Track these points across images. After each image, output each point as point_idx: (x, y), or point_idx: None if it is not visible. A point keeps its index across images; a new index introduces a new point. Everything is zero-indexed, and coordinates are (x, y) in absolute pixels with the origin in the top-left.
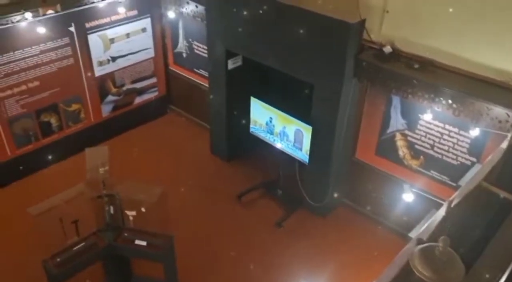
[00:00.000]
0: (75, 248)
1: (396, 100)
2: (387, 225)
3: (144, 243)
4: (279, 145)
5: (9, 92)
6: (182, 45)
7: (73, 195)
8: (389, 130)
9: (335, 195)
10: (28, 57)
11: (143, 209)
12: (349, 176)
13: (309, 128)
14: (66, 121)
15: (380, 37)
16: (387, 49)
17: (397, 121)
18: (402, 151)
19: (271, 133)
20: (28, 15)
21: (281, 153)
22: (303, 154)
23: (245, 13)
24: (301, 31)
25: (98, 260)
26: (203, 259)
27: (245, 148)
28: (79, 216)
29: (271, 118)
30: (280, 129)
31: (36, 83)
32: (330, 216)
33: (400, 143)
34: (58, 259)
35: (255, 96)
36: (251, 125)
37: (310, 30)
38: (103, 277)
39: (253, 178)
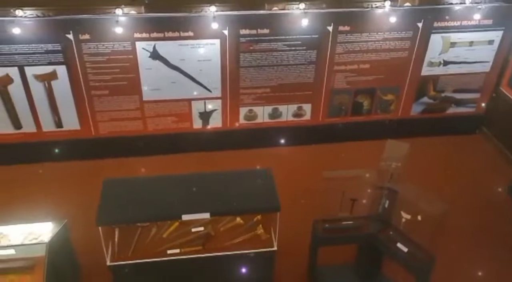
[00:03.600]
0: (343, 223)
1: None
2: None
3: (405, 249)
4: None
5: (343, 67)
6: None
7: (362, 176)
8: None
9: None
10: (371, 41)
11: (419, 217)
12: None
13: None
14: (376, 108)
15: None
16: None
17: None
18: None
19: None
20: (387, 3)
21: None
22: None
23: None
24: None
25: (356, 243)
26: None
27: None
28: (358, 196)
29: None
30: None
31: (367, 66)
32: None
33: None
34: (327, 225)
35: None
36: None
37: None
38: (353, 261)
39: None
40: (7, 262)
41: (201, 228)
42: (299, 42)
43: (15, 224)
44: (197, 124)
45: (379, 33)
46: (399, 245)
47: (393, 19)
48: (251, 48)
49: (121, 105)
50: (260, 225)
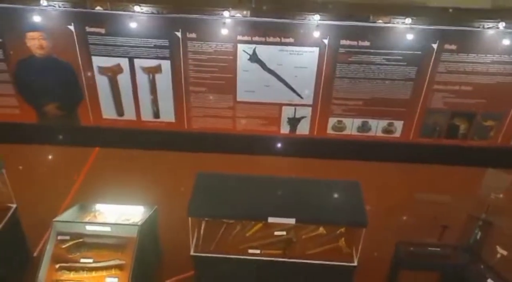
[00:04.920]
0: (429, 248)
1: None
2: None
3: None
4: None
5: (442, 87)
6: None
7: (455, 202)
8: None
9: None
10: (478, 62)
11: None
12: None
13: None
14: (473, 133)
15: None
16: None
17: None
18: None
19: None
20: (501, 24)
21: None
22: None
23: None
24: None
25: (441, 271)
26: None
27: None
28: (449, 223)
29: None
30: None
31: (469, 88)
32: None
33: None
34: (411, 248)
35: None
36: None
37: None
38: None
39: None
40: (103, 237)
41: (284, 233)
42: (400, 57)
43: (111, 203)
44: (285, 129)
45: (488, 55)
46: (490, 281)
47: (506, 42)
48: (350, 59)
49: (215, 103)
50: (343, 238)
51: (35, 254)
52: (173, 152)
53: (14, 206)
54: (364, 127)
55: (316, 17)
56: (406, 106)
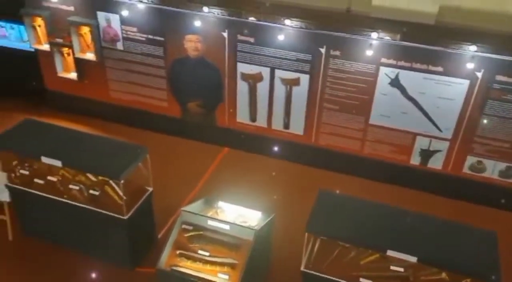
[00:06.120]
0: None
1: None
2: None
3: None
4: None
5: None
6: None
7: None
8: None
9: None
10: None
11: None
12: None
13: None
14: None
15: None
16: None
17: None
18: None
19: None
20: None
21: None
22: None
23: None
24: None
25: None
26: None
27: None
28: None
29: None
30: None
31: None
32: None
33: None
34: None
35: None
36: None
37: None
38: None
39: None
40: (221, 234)
41: (401, 269)
42: None
43: (232, 203)
44: (415, 160)
45: None
46: None
47: None
48: (504, 97)
49: (347, 122)
50: None
51: (159, 236)
52: (296, 163)
53: (150, 189)
54: (508, 173)
55: (472, 47)
56: None
